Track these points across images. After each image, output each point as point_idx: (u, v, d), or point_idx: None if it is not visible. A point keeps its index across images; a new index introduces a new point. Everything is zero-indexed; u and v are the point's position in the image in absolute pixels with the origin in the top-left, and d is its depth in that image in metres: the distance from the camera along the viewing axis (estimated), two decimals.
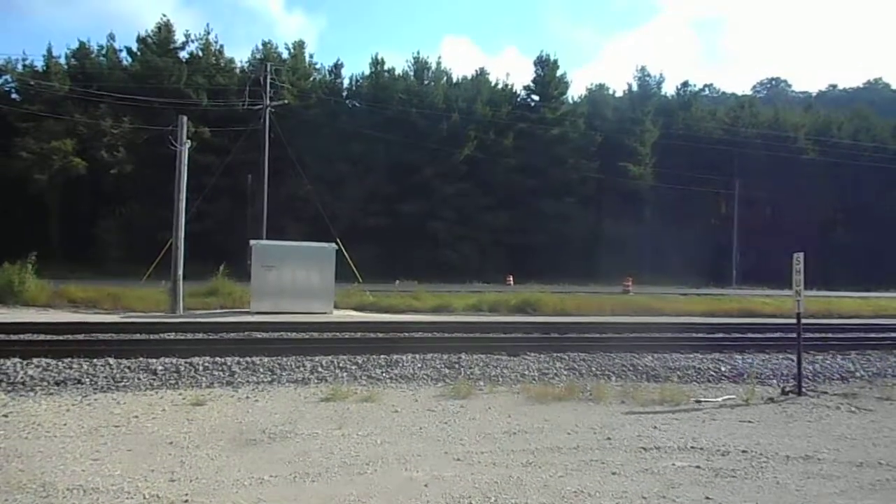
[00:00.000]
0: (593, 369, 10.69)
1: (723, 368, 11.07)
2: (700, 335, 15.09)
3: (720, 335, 15.49)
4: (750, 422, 7.64)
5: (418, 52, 62.17)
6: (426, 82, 48.39)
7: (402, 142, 42.00)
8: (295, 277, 19.81)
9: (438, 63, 49.96)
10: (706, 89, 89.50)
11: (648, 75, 54.80)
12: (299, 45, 47.64)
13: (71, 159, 38.65)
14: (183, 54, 45.26)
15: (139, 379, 9.05)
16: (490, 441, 6.52)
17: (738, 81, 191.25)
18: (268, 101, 32.67)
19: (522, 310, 22.27)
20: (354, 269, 25.73)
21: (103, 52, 44.96)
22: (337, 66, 48.51)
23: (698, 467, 5.76)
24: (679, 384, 9.87)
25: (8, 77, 43.35)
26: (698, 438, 6.72)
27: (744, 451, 6.28)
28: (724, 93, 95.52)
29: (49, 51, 42.75)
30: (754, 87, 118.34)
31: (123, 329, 14.08)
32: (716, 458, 6.06)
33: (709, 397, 8.97)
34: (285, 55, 46.87)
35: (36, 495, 4.69)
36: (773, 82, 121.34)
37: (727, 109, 57.60)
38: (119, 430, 6.64)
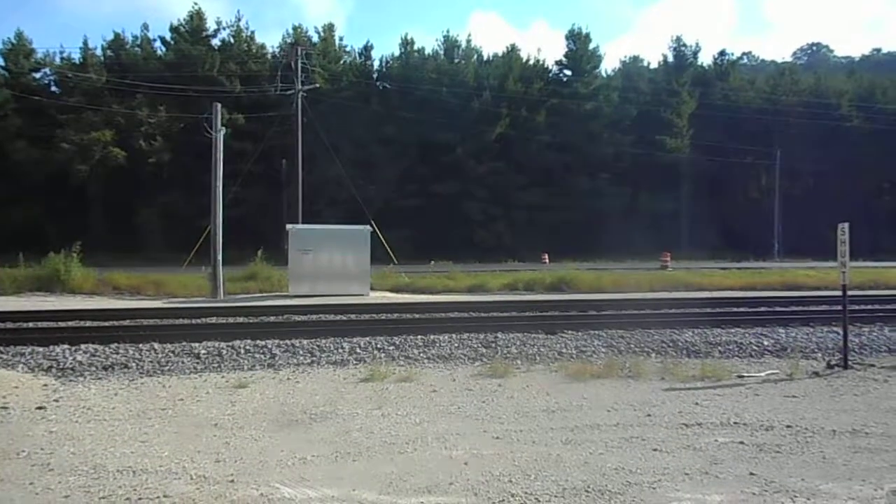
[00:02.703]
0: (632, 346, 10.55)
1: (765, 343, 10.83)
2: (741, 309, 14.81)
3: (762, 309, 15.19)
4: (794, 396, 7.48)
5: (447, 31, 61.84)
6: (456, 61, 48.14)
7: (433, 122, 41.87)
8: (331, 260, 19.98)
9: (468, 41, 49.77)
10: (744, 58, 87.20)
11: (684, 45, 53.44)
12: (329, 29, 47.83)
13: (110, 149, 39.55)
14: (215, 42, 45.91)
15: (183, 363, 9.24)
16: (529, 419, 6.50)
17: (777, 48, 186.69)
18: (300, 86, 32.79)
19: (558, 288, 22.10)
20: (389, 250, 25.85)
21: (138, 42, 45.70)
22: (367, 48, 48.64)
23: (742, 443, 5.67)
24: (720, 359, 9.71)
25: (47, 70, 44.41)
26: (741, 414, 6.61)
27: (788, 426, 6.14)
28: (762, 60, 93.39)
29: (85, 43, 43.93)
30: (794, 53, 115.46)
31: (167, 314, 14.43)
32: (760, 434, 5.94)
33: (751, 372, 8.80)
34: (315, 39, 47.08)
35: (87, 477, 4.81)
36: (814, 48, 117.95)
37: (766, 77, 56.13)
38: (165, 412, 6.79)
